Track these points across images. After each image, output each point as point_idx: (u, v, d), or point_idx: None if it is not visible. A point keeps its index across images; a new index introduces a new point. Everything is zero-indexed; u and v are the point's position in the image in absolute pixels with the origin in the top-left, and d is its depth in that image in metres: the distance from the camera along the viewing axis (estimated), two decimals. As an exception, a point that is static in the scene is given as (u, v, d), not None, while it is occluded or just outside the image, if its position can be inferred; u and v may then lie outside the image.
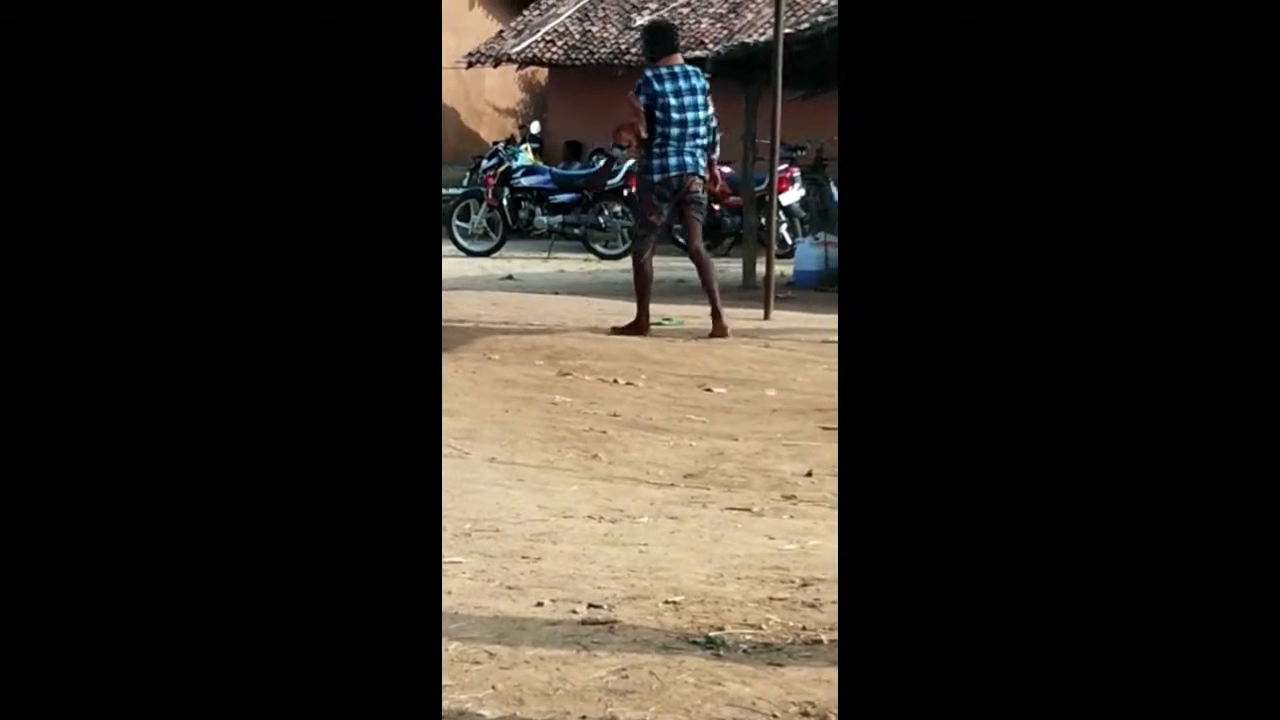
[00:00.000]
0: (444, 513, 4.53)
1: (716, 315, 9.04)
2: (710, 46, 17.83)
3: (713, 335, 8.98)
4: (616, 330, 9.02)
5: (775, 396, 7.22)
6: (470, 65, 20.90)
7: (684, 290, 12.25)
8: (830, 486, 5.31)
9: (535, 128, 20.04)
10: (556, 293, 11.20)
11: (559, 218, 16.84)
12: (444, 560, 3.99)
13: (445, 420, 6.18)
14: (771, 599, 3.74)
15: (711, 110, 9.09)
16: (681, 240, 9.76)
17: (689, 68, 9.20)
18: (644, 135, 8.90)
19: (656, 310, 9.54)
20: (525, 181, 17.20)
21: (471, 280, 13.03)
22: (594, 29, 20.59)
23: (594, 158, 17.98)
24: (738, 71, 13.09)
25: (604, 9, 20.86)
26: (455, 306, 9.90)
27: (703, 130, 9.00)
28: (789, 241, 14.63)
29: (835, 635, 3.39)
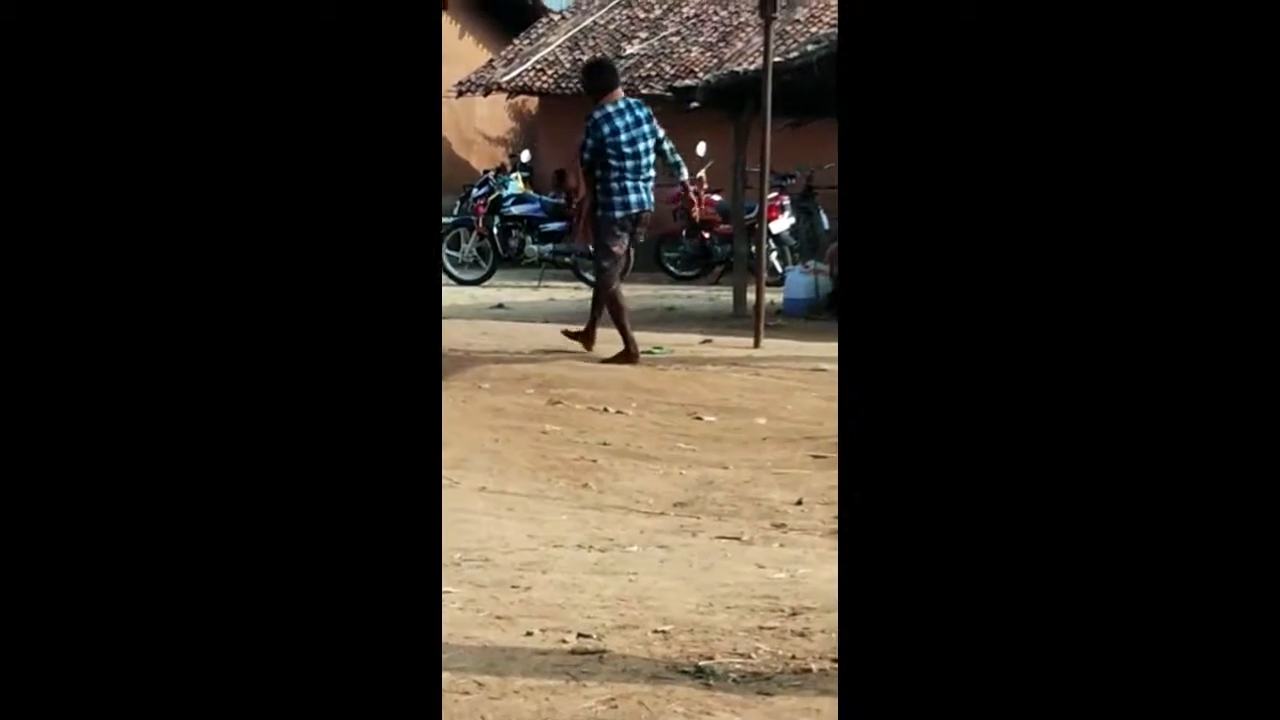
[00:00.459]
0: (433, 542, 4.54)
1: (624, 353, 9.07)
2: (700, 75, 17.87)
3: (622, 359, 9.01)
4: (606, 361, 9.02)
5: (765, 425, 7.22)
6: (460, 94, 20.93)
7: (673, 319, 12.26)
8: (820, 515, 5.31)
9: (525, 156, 20.03)
10: (547, 321, 11.20)
11: (549, 246, 16.84)
12: (433, 590, 3.99)
13: (435, 449, 6.19)
14: (761, 628, 3.73)
15: (662, 133, 9.22)
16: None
17: (630, 100, 9.35)
18: (585, 185, 9.10)
19: (646, 339, 9.53)
20: (516, 210, 17.21)
21: (462, 309, 13.02)
22: (584, 58, 20.62)
23: (584, 186, 17.99)
24: (727, 100, 13.12)
25: (594, 38, 20.91)
26: (446, 335, 9.84)
27: (651, 159, 9.13)
28: (779, 270, 14.64)
29: (825, 664, 3.39)
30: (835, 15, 16.80)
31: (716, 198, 16.54)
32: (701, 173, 16.70)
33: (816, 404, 7.45)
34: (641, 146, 9.06)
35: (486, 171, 19.22)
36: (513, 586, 4.11)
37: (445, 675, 3.28)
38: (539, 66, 20.60)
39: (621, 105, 9.11)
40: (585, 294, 15.94)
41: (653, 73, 19.65)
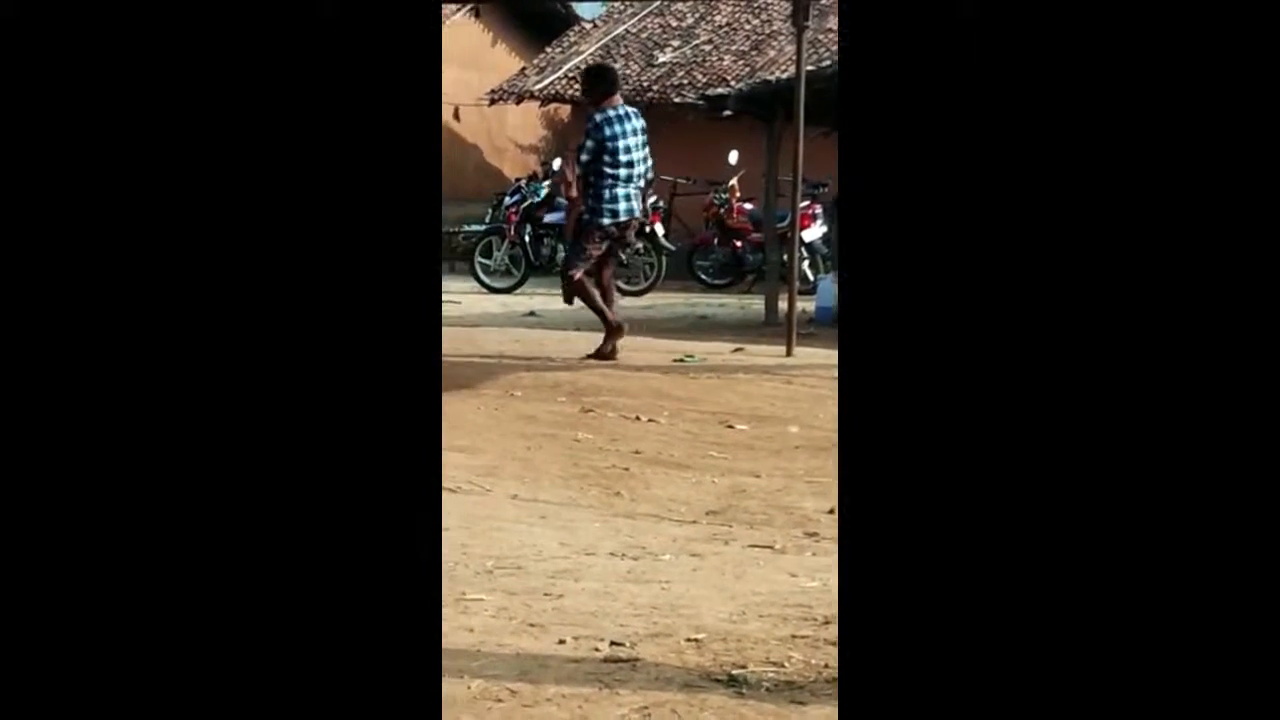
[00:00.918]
0: (466, 550, 4.55)
1: (608, 335, 9.23)
2: (733, 84, 17.88)
3: (602, 355, 9.14)
4: (592, 356, 9.13)
5: (798, 433, 7.21)
6: (493, 102, 20.97)
7: (705, 327, 12.26)
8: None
9: (557, 164, 20.06)
10: (579, 329, 11.20)
11: (582, 254, 16.84)
12: (466, 598, 3.99)
13: (467, 458, 6.20)
14: (794, 637, 3.73)
15: (647, 150, 9.29)
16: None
17: (629, 109, 9.40)
18: (577, 188, 9.11)
19: (678, 347, 9.54)
20: (548, 218, 17.23)
21: (494, 317, 13.04)
22: (616, 66, 20.64)
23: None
24: (760, 108, 13.13)
25: (626, 46, 20.93)
26: (478, 343, 9.91)
27: (641, 169, 9.21)
28: (811, 278, 14.63)
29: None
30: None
31: (749, 206, 16.53)
32: (734, 181, 16.71)
33: (849, 413, 7.42)
34: (637, 155, 9.15)
35: (518, 179, 19.23)
36: (545, 594, 4.11)
37: (478, 683, 3.29)
38: (571, 75, 20.62)
39: (621, 111, 9.16)
40: (617, 303, 15.96)
41: (685, 81, 19.66)
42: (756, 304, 13.33)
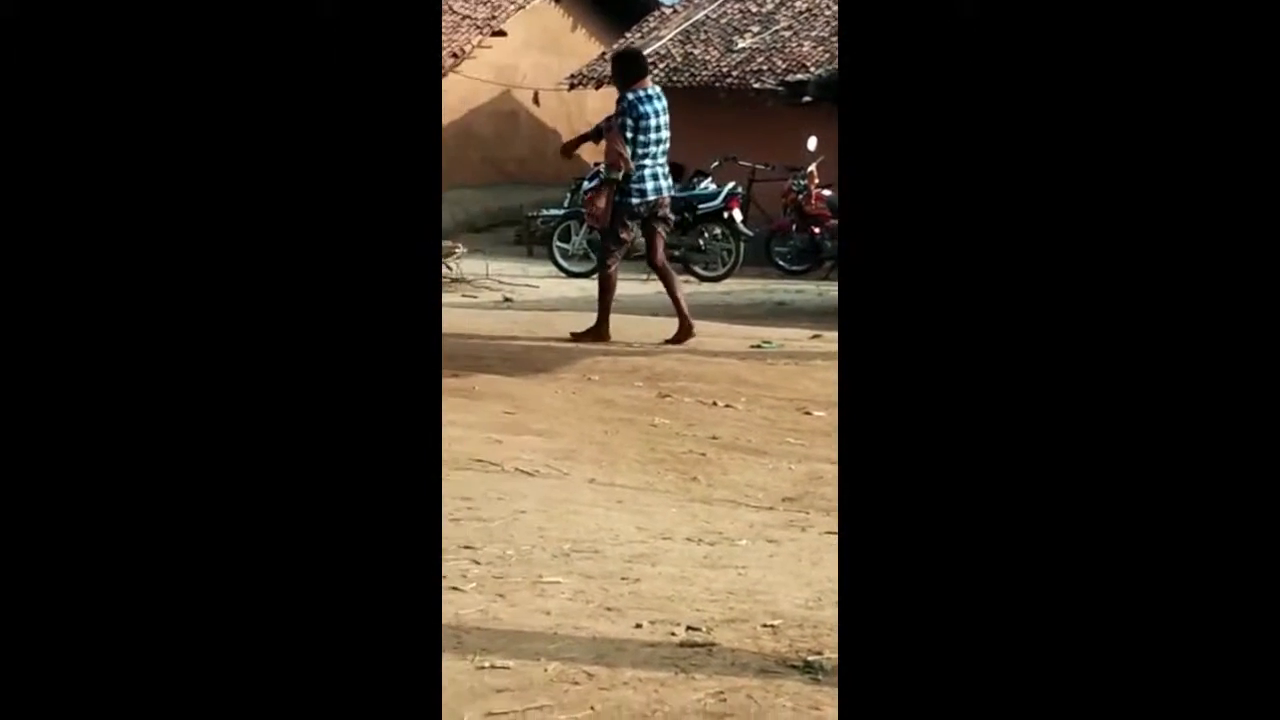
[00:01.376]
0: (543, 533, 4.57)
1: (683, 318, 9.27)
2: (812, 70, 17.83)
3: (679, 339, 9.18)
4: (576, 336, 9.16)
5: (875, 420, 7.18)
6: (573, 87, 21.00)
7: (783, 313, 12.24)
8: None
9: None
10: (656, 314, 11.21)
11: (659, 239, 16.85)
12: (543, 580, 4.01)
13: (545, 441, 6.22)
14: (870, 624, 3.72)
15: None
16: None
17: (656, 89, 9.45)
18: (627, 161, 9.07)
19: (755, 333, 9.53)
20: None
21: (572, 301, 13.07)
22: (696, 51, 20.63)
23: (695, 179, 18.01)
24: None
25: (706, 32, 20.90)
26: (555, 327, 9.94)
27: (666, 148, 9.23)
28: (889, 265, 14.56)
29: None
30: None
31: (827, 193, 16.49)
32: (812, 167, 16.66)
33: (927, 400, 7.40)
34: (665, 135, 9.17)
35: (597, 164, 19.21)
36: (622, 578, 4.12)
37: (555, 665, 3.30)
38: (651, 60, 20.61)
39: (651, 91, 9.18)
40: (692, 288, 15.97)
41: (764, 67, 19.62)
42: (834, 290, 13.28)
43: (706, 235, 16.68)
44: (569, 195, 18.65)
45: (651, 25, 21.57)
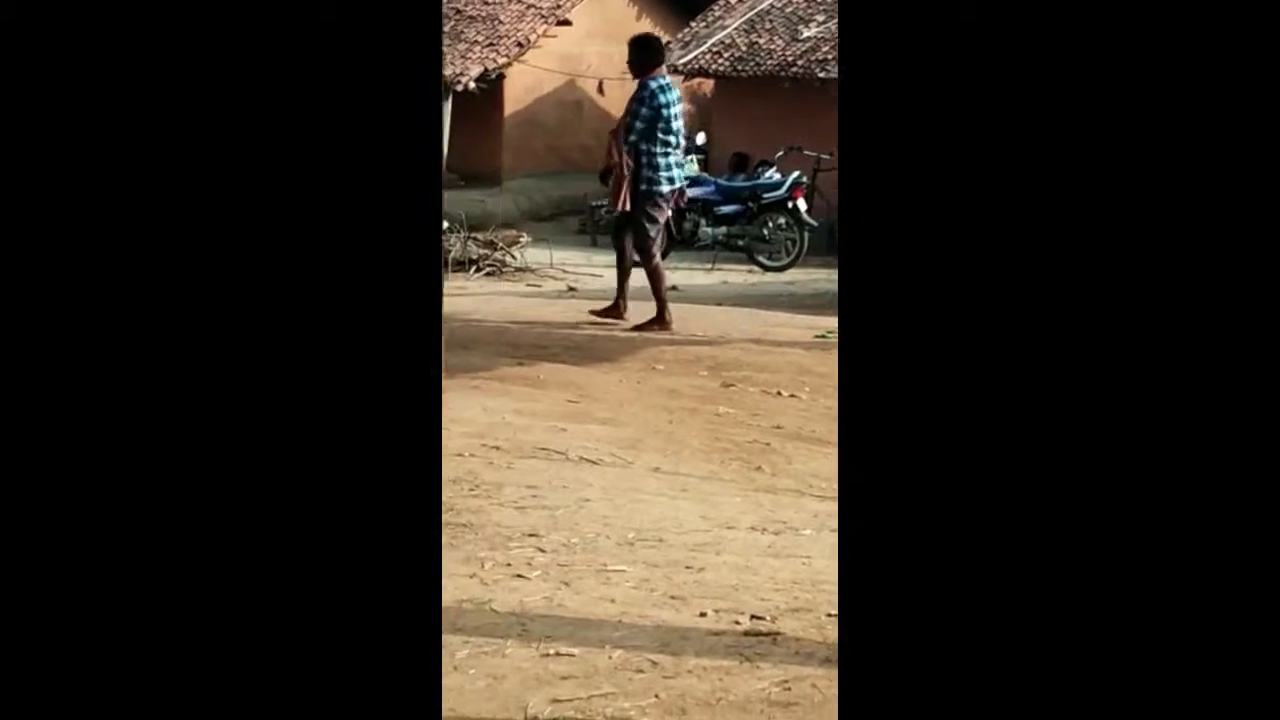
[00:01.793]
0: (608, 521, 4.58)
1: (618, 299, 9.45)
2: (877, 58, 17.73)
3: (606, 313, 9.34)
4: (638, 327, 9.14)
5: (940, 411, 7.16)
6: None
7: (848, 303, 12.18)
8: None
9: (701, 139, 20.05)
10: (720, 304, 11.22)
11: (723, 229, 16.85)
12: (608, 569, 4.02)
13: (610, 430, 6.24)
14: (935, 614, 3.72)
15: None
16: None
17: (670, 78, 9.44)
18: (627, 165, 9.05)
19: (819, 323, 9.50)
20: (691, 193, 17.24)
21: (637, 290, 13.07)
22: (760, 40, 20.59)
23: (759, 169, 17.98)
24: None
25: (771, 21, 20.85)
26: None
27: (682, 141, 9.31)
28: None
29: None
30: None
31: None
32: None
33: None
34: (681, 123, 9.20)
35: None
36: (686, 567, 4.13)
37: (619, 653, 3.31)
38: (715, 49, 20.60)
39: (665, 81, 9.17)
40: (757, 277, 15.96)
41: (829, 56, 19.55)
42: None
43: (771, 225, 16.66)
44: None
45: (716, 14, 21.54)
